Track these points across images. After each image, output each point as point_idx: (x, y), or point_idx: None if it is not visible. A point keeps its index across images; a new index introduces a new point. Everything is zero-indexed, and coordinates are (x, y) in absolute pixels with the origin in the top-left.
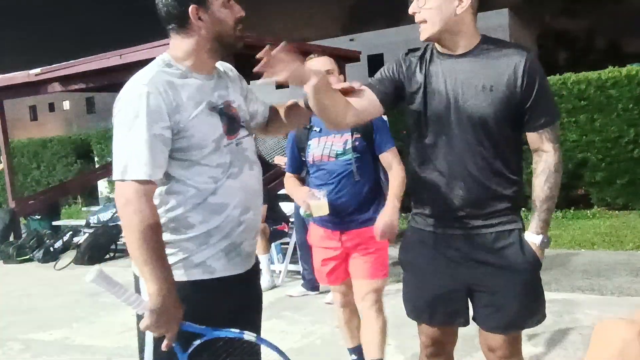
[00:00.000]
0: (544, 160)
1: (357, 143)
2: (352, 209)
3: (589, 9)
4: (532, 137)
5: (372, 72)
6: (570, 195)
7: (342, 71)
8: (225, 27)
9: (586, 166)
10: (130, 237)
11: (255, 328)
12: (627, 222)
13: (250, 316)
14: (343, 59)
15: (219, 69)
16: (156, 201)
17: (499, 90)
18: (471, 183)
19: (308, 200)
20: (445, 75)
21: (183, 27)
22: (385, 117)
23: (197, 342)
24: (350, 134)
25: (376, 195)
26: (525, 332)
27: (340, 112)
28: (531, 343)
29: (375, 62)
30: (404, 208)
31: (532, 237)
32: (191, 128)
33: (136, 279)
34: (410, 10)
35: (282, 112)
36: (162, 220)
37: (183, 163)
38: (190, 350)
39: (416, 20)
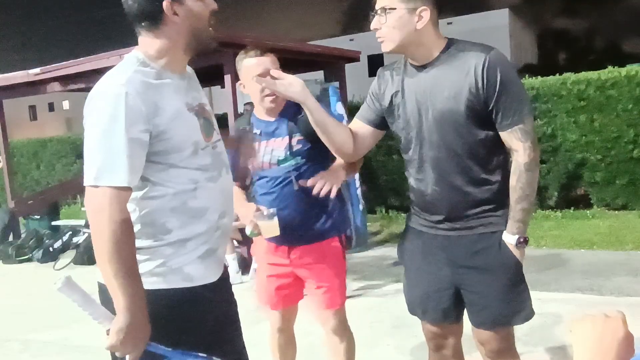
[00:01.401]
0: (515, 159)
1: (299, 146)
2: (297, 222)
3: (589, 9)
4: (503, 137)
5: (372, 72)
6: (570, 196)
7: (342, 71)
8: (201, 21)
9: (586, 166)
10: (101, 248)
11: (239, 335)
12: (627, 222)
13: (232, 323)
14: (343, 59)
15: (188, 70)
16: (132, 207)
17: (462, 96)
18: (449, 190)
19: (256, 219)
20: (416, 86)
21: (156, 24)
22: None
23: None
24: (289, 136)
25: (328, 205)
26: (523, 332)
27: (346, 140)
28: (530, 342)
29: (375, 62)
30: (404, 208)
31: (508, 238)
32: (170, 130)
33: (101, 287)
34: (372, 26)
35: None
36: (138, 227)
37: (161, 166)
38: None
39: (377, 36)
